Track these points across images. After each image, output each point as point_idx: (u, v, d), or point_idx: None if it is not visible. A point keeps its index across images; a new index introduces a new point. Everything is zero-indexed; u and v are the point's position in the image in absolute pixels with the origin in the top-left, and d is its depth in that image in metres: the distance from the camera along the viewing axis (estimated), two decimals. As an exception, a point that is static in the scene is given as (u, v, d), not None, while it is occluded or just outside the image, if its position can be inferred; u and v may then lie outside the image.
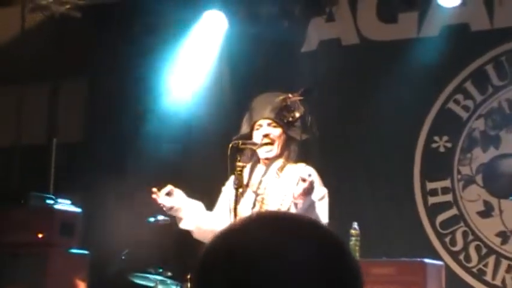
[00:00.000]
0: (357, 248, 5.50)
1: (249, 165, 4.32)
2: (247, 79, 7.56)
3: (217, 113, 7.64)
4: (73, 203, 6.38)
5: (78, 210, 6.37)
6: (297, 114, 4.17)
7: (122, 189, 7.34)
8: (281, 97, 4.29)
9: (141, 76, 7.68)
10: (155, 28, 7.60)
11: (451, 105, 7.36)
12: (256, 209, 4.24)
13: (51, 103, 8.05)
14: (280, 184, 4.22)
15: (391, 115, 7.22)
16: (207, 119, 7.65)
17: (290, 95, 4.26)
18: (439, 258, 6.84)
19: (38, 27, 7.76)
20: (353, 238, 5.52)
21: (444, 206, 7.27)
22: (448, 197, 7.27)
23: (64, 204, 6.32)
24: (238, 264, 1.19)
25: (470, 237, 7.13)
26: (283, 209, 4.09)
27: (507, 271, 6.95)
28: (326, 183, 7.29)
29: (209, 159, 7.03)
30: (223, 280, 1.18)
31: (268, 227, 1.23)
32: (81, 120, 8.30)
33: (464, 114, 7.31)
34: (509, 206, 6.83)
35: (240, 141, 4.24)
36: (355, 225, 5.68)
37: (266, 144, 4.21)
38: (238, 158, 4.18)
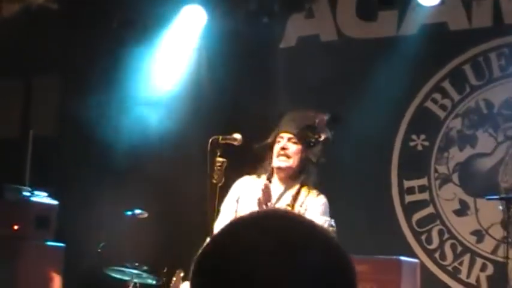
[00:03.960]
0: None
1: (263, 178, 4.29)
2: (225, 74, 7.54)
3: (195, 107, 7.62)
4: (49, 196, 6.33)
5: (54, 202, 6.32)
6: (322, 137, 4.17)
7: (99, 183, 7.30)
8: (311, 115, 4.28)
9: (118, 70, 7.63)
10: (133, 23, 7.56)
11: (429, 104, 7.39)
12: None
13: (25, 97, 7.99)
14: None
15: (369, 113, 7.23)
16: (185, 113, 7.63)
17: (320, 116, 4.25)
18: (415, 256, 6.87)
19: (13, 19, 7.68)
20: (330, 235, 5.52)
21: (421, 205, 7.30)
22: (425, 196, 7.31)
23: (40, 197, 6.27)
24: (237, 272, 1.20)
25: (446, 235, 7.17)
26: None
27: (482, 269, 6.99)
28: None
29: (187, 154, 7.01)
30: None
31: (270, 233, 1.24)
32: (55, 113, 8.24)
33: (441, 113, 7.34)
34: (485, 205, 6.87)
35: (220, 136, 4.23)
36: (332, 222, 5.67)
37: (281, 155, 4.22)
38: (218, 153, 4.16)
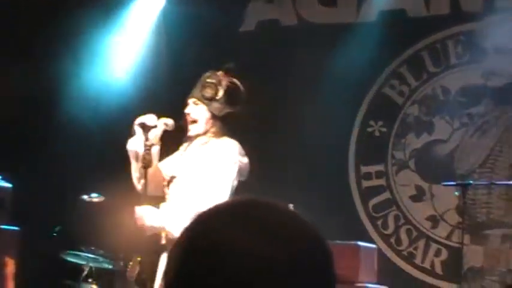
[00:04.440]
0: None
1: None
2: (184, 56, 7.49)
3: (153, 89, 7.55)
4: (3, 179, 6.23)
5: (9, 185, 6.23)
6: (221, 91, 4.13)
7: (55, 166, 7.21)
8: (206, 75, 4.24)
9: (75, 53, 7.52)
10: (90, 4, 7.45)
11: (387, 90, 7.43)
12: (171, 186, 4.16)
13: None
14: (197, 159, 4.13)
15: (328, 98, 7.24)
16: (144, 95, 7.56)
17: (215, 73, 4.22)
18: (371, 241, 6.92)
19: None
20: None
21: (377, 190, 7.36)
22: (382, 181, 7.36)
23: (-7, 180, 6.17)
24: (222, 261, 1.13)
25: (402, 220, 7.24)
26: (193, 183, 4.00)
27: (436, 255, 7.08)
28: (261, 165, 7.31)
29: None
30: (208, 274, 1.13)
31: (255, 225, 1.17)
32: (9, 95, 8.10)
33: (399, 100, 7.39)
34: (441, 191, 6.95)
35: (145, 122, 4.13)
36: (291, 207, 5.69)
37: (190, 123, 4.16)
38: (146, 137, 4.07)
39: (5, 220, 6.14)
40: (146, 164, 4.04)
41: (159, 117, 4.18)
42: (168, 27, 7.66)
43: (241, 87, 4.18)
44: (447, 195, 6.72)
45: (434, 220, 7.12)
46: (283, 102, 7.50)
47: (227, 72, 4.17)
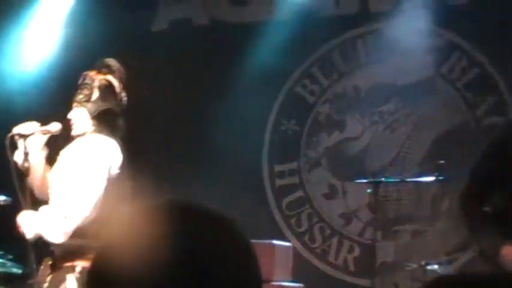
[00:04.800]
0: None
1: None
2: (95, 56, 7.36)
3: (61, 90, 7.39)
4: None
5: None
6: (95, 90, 4.11)
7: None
8: (82, 76, 4.21)
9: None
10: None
11: (299, 89, 7.48)
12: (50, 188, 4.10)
13: None
14: (66, 158, 4.09)
15: (241, 97, 7.25)
16: (51, 96, 7.40)
17: (88, 73, 4.19)
18: (286, 239, 6.96)
19: None
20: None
21: (291, 188, 7.40)
22: (295, 179, 7.41)
23: None
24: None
25: (315, 218, 7.30)
26: (64, 184, 3.97)
27: (349, 251, 7.16)
28: (175, 164, 7.26)
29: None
30: None
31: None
32: None
33: (311, 99, 7.46)
34: (353, 188, 7.03)
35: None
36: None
37: (72, 125, 4.14)
38: (24, 145, 4.06)
39: None
40: (25, 173, 4.01)
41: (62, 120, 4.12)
42: (78, 27, 7.51)
43: (115, 83, 4.14)
44: (359, 192, 6.80)
45: (347, 217, 7.21)
46: (196, 101, 7.47)
47: (100, 71, 4.15)
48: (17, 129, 4.05)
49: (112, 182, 3.96)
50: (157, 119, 7.34)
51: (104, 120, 4.08)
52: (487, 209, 3.44)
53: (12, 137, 4.04)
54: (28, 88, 7.38)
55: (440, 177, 5.82)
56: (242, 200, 7.17)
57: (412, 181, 6.57)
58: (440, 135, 6.96)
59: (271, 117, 7.48)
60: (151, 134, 7.16)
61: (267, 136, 7.48)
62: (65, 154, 4.12)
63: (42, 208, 4.02)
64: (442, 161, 5.88)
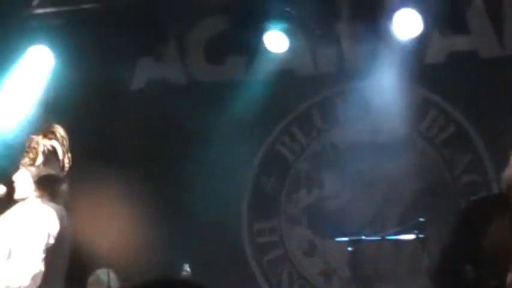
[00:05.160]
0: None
1: None
2: (78, 118, 7.36)
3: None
4: None
5: None
6: (39, 155, 4.15)
7: None
8: (29, 140, 4.24)
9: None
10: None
11: (279, 147, 7.52)
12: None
13: None
14: (8, 225, 4.09)
15: (221, 155, 7.26)
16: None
17: (34, 137, 4.23)
18: (267, 298, 6.93)
19: None
20: (185, 280, 5.45)
21: (271, 246, 7.38)
22: (275, 237, 7.39)
23: None
24: None
25: (295, 276, 7.27)
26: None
27: (329, 309, 7.13)
28: (153, 223, 7.21)
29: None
30: None
31: None
32: None
33: (290, 156, 7.49)
34: (333, 246, 7.02)
35: None
36: (187, 267, 5.64)
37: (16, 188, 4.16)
38: None
39: None
40: None
41: None
42: (58, 85, 7.49)
43: (59, 150, 4.18)
44: (339, 250, 6.79)
45: (327, 275, 7.19)
46: (174, 160, 7.47)
47: (45, 135, 4.19)
48: None
49: (50, 251, 3.98)
50: (134, 175, 7.32)
51: (46, 186, 4.13)
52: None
53: None
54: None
55: (420, 235, 5.84)
56: (222, 260, 7.15)
57: (392, 239, 6.58)
58: (419, 193, 7.01)
59: (251, 175, 7.49)
60: (128, 190, 7.13)
61: (246, 194, 7.48)
62: (5, 220, 4.12)
63: None
64: (422, 219, 5.91)
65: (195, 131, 7.45)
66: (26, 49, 7.25)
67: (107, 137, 7.45)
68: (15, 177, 4.17)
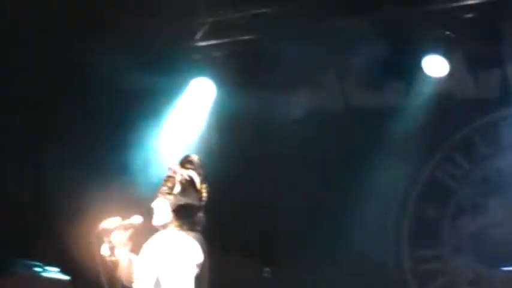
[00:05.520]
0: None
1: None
2: (237, 147, 7.53)
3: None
4: None
5: None
6: (177, 183, 4.22)
7: None
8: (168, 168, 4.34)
9: (128, 144, 7.56)
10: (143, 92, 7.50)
11: (439, 173, 7.40)
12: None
13: None
14: (154, 255, 4.17)
15: (378, 182, 7.21)
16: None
17: (173, 167, 4.31)
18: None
19: None
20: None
21: (434, 274, 7.26)
22: (438, 265, 7.27)
23: None
24: None
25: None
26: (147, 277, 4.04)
27: None
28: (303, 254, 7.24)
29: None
30: None
31: None
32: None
33: (452, 182, 7.35)
34: (499, 275, 6.82)
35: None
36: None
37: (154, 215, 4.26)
38: (108, 240, 4.18)
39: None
40: (112, 266, 4.13)
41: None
42: (220, 116, 7.67)
43: (196, 180, 4.24)
44: (506, 280, 6.59)
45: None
46: (333, 187, 7.48)
47: (183, 165, 4.27)
48: (102, 225, 4.21)
49: (196, 281, 4.07)
50: (292, 201, 7.41)
51: (183, 215, 4.21)
52: None
53: (99, 232, 4.19)
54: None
55: None
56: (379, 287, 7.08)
57: None
58: None
59: (411, 202, 7.40)
60: (287, 216, 7.21)
61: (406, 221, 7.40)
62: (149, 248, 4.23)
63: None
64: None
65: (350, 159, 7.44)
66: (189, 81, 7.48)
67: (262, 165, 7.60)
68: (154, 205, 4.32)
